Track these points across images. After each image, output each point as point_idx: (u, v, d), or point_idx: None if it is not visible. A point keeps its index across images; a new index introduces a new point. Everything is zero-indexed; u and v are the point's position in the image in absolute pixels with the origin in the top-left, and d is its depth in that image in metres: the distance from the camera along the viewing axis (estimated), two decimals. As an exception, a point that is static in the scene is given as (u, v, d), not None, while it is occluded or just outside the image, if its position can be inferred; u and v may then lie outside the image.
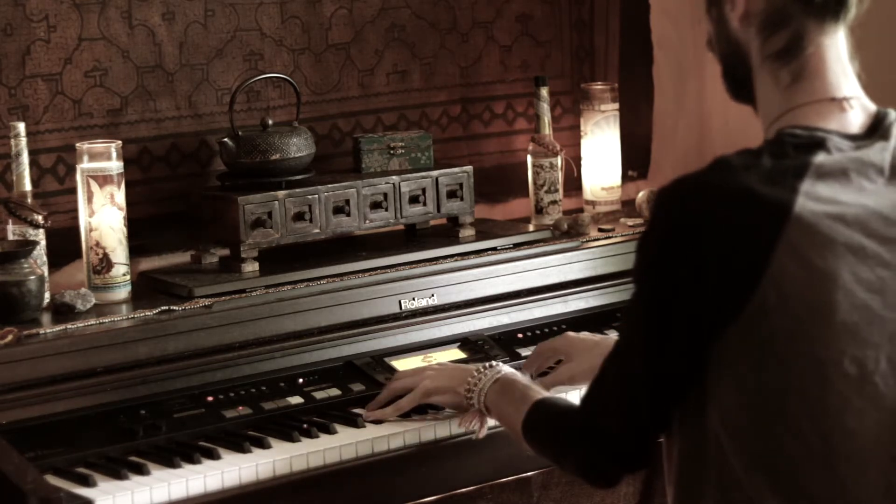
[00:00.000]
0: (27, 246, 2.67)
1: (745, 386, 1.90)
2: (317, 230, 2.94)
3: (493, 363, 2.46)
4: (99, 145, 2.79)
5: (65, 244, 2.86)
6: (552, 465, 2.15)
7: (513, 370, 2.43)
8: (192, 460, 2.41)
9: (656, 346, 1.94)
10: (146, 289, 2.85)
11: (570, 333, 2.71)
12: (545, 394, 2.28)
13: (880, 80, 2.12)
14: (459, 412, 2.52)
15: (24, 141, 2.73)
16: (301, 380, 2.69)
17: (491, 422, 2.48)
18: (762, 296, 1.86)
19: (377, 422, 2.57)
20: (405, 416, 2.59)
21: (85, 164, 2.77)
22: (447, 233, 3.15)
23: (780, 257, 1.85)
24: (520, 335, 2.93)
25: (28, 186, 2.74)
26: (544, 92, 3.35)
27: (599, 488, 2.32)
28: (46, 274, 2.73)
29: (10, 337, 2.53)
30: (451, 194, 3.11)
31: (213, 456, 2.42)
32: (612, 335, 2.80)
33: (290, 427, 2.54)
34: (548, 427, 2.19)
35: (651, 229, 1.94)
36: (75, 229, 2.82)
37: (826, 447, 1.88)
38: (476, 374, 2.44)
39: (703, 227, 1.88)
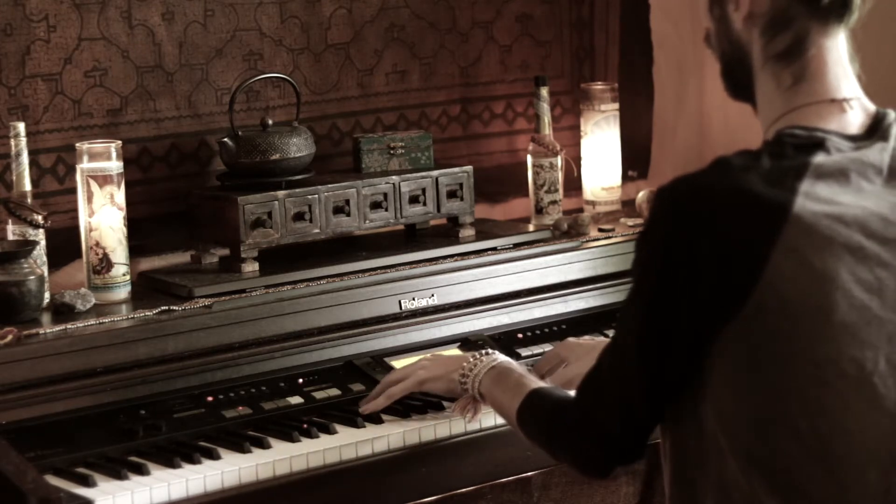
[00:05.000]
0: (27, 246, 2.66)
1: (742, 385, 1.90)
2: (317, 230, 2.94)
3: (489, 351, 2.48)
4: (99, 145, 2.79)
5: (65, 244, 2.86)
6: (545, 453, 2.17)
7: (508, 359, 2.45)
8: (192, 460, 2.41)
9: (651, 343, 1.94)
10: (146, 289, 2.85)
11: (571, 339, 2.72)
12: (541, 383, 2.30)
13: (880, 80, 2.12)
14: (457, 401, 2.54)
15: (24, 141, 2.73)
16: (301, 380, 2.69)
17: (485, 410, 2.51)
18: (759, 296, 1.86)
19: (373, 417, 2.57)
20: (406, 416, 2.59)
21: (85, 164, 2.77)
22: (447, 233, 3.14)
23: (777, 257, 1.85)
24: (520, 335, 2.93)
25: (28, 186, 2.74)
26: (544, 92, 3.34)
27: (593, 479, 2.34)
28: (46, 274, 2.73)
29: (9, 337, 2.52)
30: (451, 194, 3.11)
31: (213, 456, 2.42)
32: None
33: (290, 427, 2.54)
34: (542, 417, 2.20)
35: (649, 228, 1.95)
36: (75, 229, 2.82)
37: (824, 448, 1.88)
38: (472, 359, 2.46)
39: (701, 228, 1.88)
